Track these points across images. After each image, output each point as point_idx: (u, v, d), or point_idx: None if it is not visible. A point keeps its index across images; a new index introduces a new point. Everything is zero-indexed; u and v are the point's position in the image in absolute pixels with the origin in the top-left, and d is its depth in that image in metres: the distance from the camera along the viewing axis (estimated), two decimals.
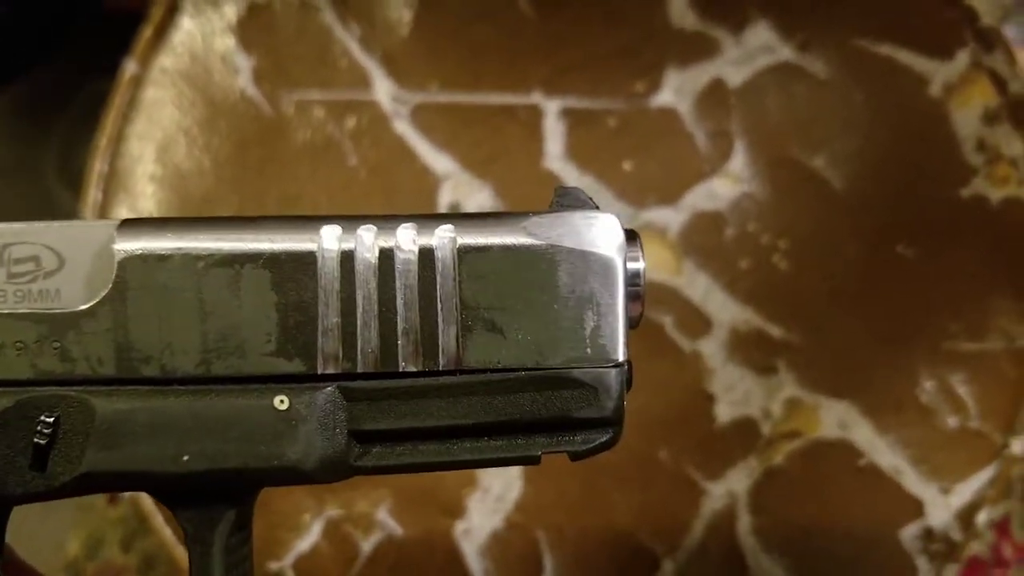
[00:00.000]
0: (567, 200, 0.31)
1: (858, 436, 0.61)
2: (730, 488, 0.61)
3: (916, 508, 0.60)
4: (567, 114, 0.65)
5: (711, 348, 0.62)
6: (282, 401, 0.29)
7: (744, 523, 0.60)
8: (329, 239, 0.29)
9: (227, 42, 0.67)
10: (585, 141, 0.65)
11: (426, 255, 0.29)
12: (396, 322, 0.29)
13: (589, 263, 0.29)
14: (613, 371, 0.29)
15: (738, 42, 0.65)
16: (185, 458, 0.28)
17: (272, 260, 0.29)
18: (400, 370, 0.29)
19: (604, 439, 0.30)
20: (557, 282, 0.29)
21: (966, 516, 0.59)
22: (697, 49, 0.65)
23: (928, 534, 0.59)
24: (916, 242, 0.62)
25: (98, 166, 0.66)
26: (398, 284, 0.29)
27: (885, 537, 0.60)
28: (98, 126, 0.66)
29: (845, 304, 0.62)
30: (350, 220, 0.29)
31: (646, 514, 0.61)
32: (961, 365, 0.61)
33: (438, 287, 0.29)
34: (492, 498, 0.61)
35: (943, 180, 0.62)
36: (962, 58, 0.63)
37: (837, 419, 0.61)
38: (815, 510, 0.60)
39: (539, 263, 0.29)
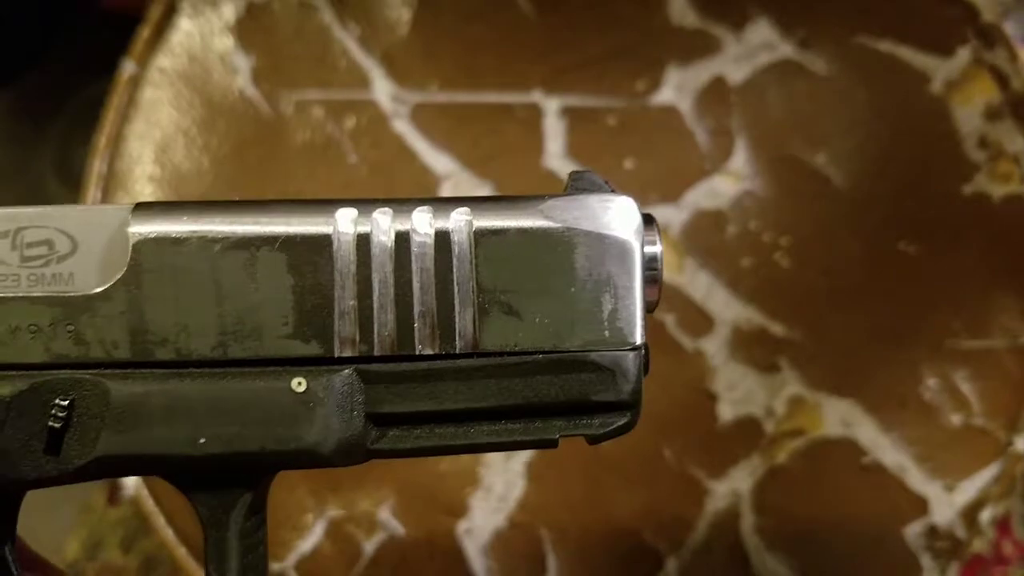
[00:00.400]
0: (582, 183, 0.30)
1: (861, 434, 0.60)
2: (734, 487, 0.60)
3: (920, 506, 0.60)
4: (567, 113, 0.65)
5: (713, 346, 0.62)
6: (300, 383, 0.28)
7: (748, 521, 0.60)
8: (345, 222, 0.29)
9: (226, 42, 0.67)
10: (585, 140, 0.65)
11: (442, 238, 0.29)
12: (413, 305, 0.29)
13: (606, 246, 0.29)
14: (631, 354, 0.29)
15: (738, 40, 0.65)
16: (202, 441, 0.28)
17: (288, 243, 0.29)
18: (417, 353, 0.29)
19: (622, 422, 0.30)
20: (574, 265, 0.29)
21: (970, 514, 0.59)
22: (697, 47, 0.65)
23: (932, 532, 0.59)
24: (918, 239, 0.62)
25: (97, 166, 0.66)
26: (414, 267, 0.29)
27: (889, 535, 0.60)
28: (96, 127, 0.66)
29: (847, 302, 0.62)
30: (365, 203, 0.29)
31: (650, 513, 0.60)
32: (964, 362, 0.61)
33: (455, 270, 0.29)
34: (495, 497, 0.61)
35: (945, 177, 0.62)
36: (963, 55, 0.63)
37: (840, 417, 0.61)
38: (819, 508, 0.60)
39: (556, 246, 0.29)
